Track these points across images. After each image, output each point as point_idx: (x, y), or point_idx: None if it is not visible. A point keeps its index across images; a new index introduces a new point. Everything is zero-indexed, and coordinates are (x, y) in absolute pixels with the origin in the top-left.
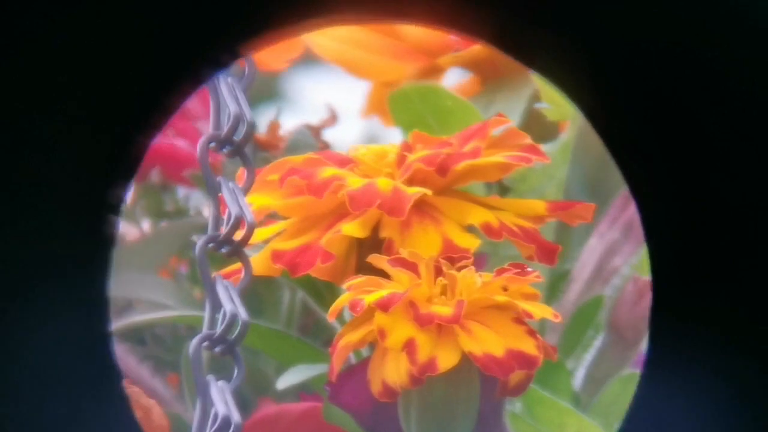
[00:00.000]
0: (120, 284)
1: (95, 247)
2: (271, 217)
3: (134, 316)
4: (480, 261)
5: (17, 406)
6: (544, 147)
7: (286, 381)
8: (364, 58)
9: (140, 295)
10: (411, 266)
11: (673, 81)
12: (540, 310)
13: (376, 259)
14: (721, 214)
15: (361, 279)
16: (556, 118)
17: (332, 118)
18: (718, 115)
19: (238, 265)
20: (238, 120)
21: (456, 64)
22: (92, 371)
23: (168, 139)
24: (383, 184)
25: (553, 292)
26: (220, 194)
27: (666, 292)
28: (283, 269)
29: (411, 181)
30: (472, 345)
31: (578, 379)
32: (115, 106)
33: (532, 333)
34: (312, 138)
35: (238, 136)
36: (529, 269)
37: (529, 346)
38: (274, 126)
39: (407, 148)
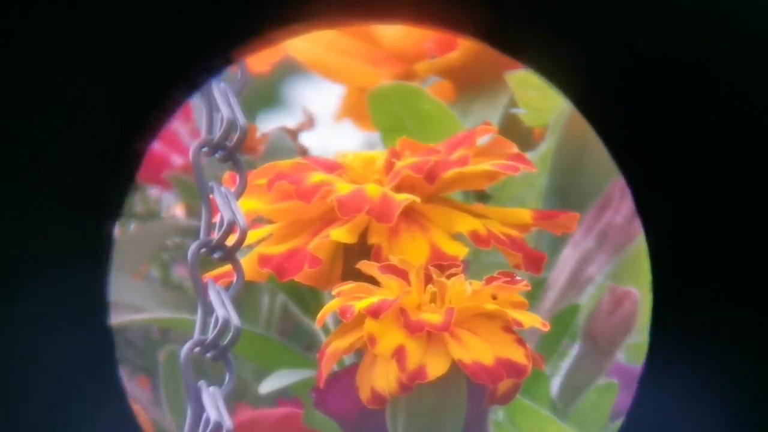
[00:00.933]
0: None
1: (95, 247)
2: (258, 221)
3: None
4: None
5: (16, 404)
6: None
7: (268, 386)
8: (341, 62)
9: (114, 297)
10: (401, 273)
11: (667, 72)
12: (529, 319)
13: (366, 266)
14: (721, 208)
15: (350, 285)
16: (533, 123)
17: (309, 122)
18: (716, 106)
19: (226, 268)
20: (230, 125)
21: (432, 70)
22: (92, 369)
23: None
24: (372, 190)
25: (529, 300)
26: (211, 197)
27: (665, 289)
28: (270, 274)
29: (399, 188)
30: (461, 353)
31: (554, 387)
32: (114, 108)
33: (521, 341)
34: (290, 141)
35: (231, 141)
36: (518, 278)
37: (518, 355)
38: (251, 129)
39: (395, 154)
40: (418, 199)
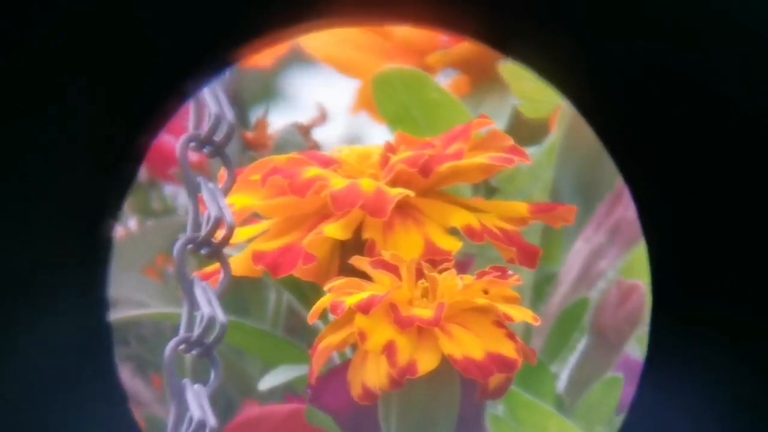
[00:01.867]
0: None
1: (95, 246)
2: (254, 216)
3: (118, 313)
4: (467, 262)
5: (16, 404)
6: (532, 148)
7: (268, 382)
8: (354, 56)
9: (126, 294)
10: (392, 268)
11: (667, 73)
12: (520, 314)
13: (358, 261)
14: (720, 207)
15: (341, 281)
16: (531, 114)
17: (321, 117)
18: (716, 105)
19: (217, 265)
20: (218, 120)
21: (445, 62)
22: (91, 369)
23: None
24: (366, 184)
25: (539, 294)
26: (199, 194)
27: (665, 288)
28: (264, 270)
29: (394, 182)
30: (452, 348)
31: (563, 381)
32: (114, 108)
33: (511, 336)
34: (300, 137)
35: (219, 136)
36: (510, 272)
37: (508, 350)
38: (261, 124)
39: (391, 149)
40: (411, 193)
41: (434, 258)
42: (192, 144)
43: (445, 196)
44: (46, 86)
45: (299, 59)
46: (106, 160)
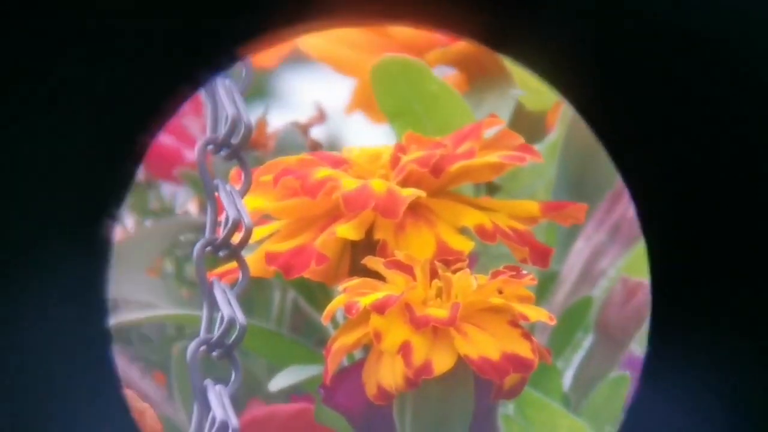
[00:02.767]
0: None
1: (94, 246)
2: (265, 217)
3: (121, 316)
4: (470, 260)
5: (15, 404)
6: (533, 146)
7: (279, 383)
8: (352, 55)
9: (127, 295)
10: (406, 268)
11: (666, 73)
12: (535, 313)
13: (372, 261)
14: (720, 206)
15: (356, 281)
16: (533, 106)
17: (320, 117)
18: (715, 104)
19: (231, 265)
20: (235, 122)
21: (443, 60)
22: (90, 370)
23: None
24: (377, 185)
25: (542, 293)
26: (216, 195)
27: (664, 288)
28: (276, 271)
29: (405, 183)
30: (467, 348)
31: (567, 380)
32: (116, 107)
33: (527, 336)
34: (300, 136)
35: (236, 139)
36: (524, 271)
37: (524, 349)
38: (261, 124)
39: (401, 149)
40: (423, 194)
41: (447, 258)
42: (210, 147)
43: (455, 195)
44: (46, 86)
45: (297, 59)
46: (108, 157)
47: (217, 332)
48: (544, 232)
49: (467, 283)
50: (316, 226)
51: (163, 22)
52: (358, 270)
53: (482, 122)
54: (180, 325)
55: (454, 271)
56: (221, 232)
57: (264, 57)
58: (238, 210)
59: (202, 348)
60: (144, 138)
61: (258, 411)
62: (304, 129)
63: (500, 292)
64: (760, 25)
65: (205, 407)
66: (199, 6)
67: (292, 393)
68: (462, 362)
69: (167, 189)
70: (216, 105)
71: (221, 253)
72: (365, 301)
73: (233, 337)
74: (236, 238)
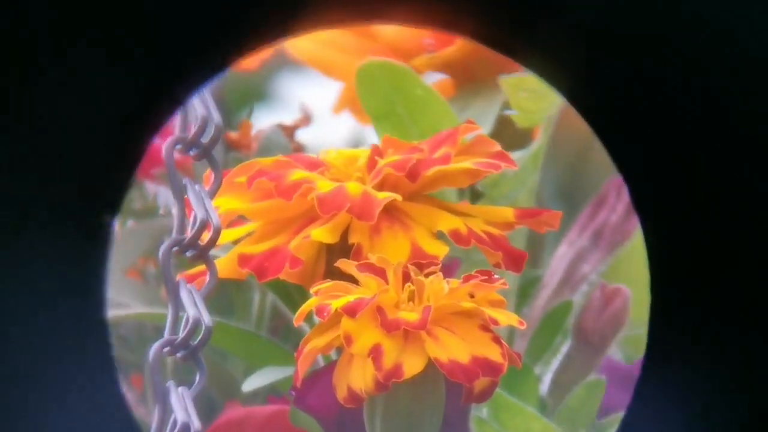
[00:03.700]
0: None
1: (93, 245)
2: (240, 218)
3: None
4: (452, 265)
5: (15, 403)
6: (516, 153)
7: (252, 383)
8: (339, 58)
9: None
10: (379, 272)
11: (665, 69)
12: (506, 317)
13: (345, 264)
14: (719, 204)
15: (328, 284)
16: (524, 124)
17: (306, 119)
18: (714, 103)
19: (203, 267)
20: (205, 122)
21: (430, 65)
22: (88, 363)
23: None
24: (353, 188)
25: (523, 297)
26: (185, 196)
27: (663, 288)
28: (249, 273)
29: (381, 186)
30: (438, 351)
31: (545, 384)
32: (112, 111)
33: (497, 340)
34: (285, 138)
35: (206, 139)
36: (496, 276)
37: (494, 353)
38: (245, 126)
39: (378, 152)
40: (399, 197)
41: (421, 261)
42: (178, 146)
43: (432, 200)
44: (46, 85)
45: (284, 61)
46: (106, 159)
47: (182, 333)
48: (528, 238)
49: (439, 286)
50: (291, 228)
51: (155, 28)
52: (334, 273)
53: (459, 127)
54: (158, 326)
55: (427, 275)
56: (189, 233)
57: (252, 60)
58: (206, 210)
59: (166, 349)
60: (140, 141)
61: (234, 412)
62: (290, 131)
63: (471, 296)
64: (757, 17)
65: (168, 409)
66: (190, 14)
67: (270, 395)
68: (433, 366)
69: (150, 189)
70: (185, 105)
71: (188, 254)
72: (336, 304)
73: (198, 338)
74: (205, 239)
